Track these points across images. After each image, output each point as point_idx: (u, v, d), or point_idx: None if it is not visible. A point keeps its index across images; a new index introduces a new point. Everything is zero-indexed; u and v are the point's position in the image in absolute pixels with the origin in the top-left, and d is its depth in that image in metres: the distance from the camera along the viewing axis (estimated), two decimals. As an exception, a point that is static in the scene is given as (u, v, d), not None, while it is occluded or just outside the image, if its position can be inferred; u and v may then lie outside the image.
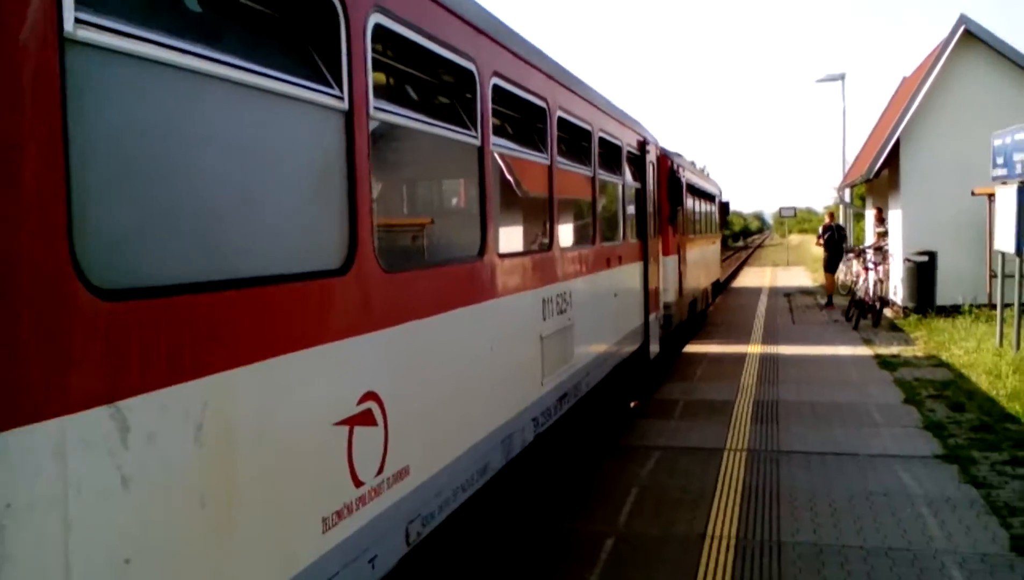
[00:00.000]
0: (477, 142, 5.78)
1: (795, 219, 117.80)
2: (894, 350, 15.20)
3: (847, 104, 31.93)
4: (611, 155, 10.75)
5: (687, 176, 19.41)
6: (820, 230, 25.05)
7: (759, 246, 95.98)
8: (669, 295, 16.83)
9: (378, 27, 4.18)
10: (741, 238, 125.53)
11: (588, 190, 9.48)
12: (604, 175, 9.98)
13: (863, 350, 15.43)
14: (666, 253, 16.68)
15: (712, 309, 23.76)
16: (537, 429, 7.15)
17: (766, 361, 14.49)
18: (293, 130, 3.65)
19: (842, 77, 32.93)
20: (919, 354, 14.71)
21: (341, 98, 3.82)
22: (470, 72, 5.63)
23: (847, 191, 29.51)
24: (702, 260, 22.83)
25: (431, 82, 5.75)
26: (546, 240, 7.74)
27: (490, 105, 5.92)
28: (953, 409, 10.39)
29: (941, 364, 13.62)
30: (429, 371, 4.86)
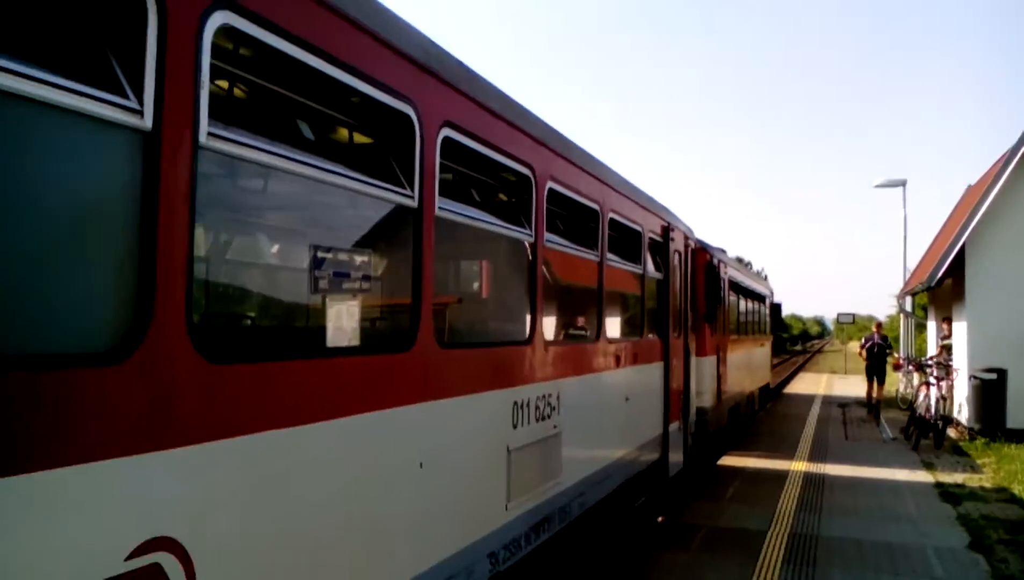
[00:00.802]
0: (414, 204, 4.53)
1: (855, 326, 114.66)
2: (958, 478, 13.33)
3: (908, 211, 30.17)
4: (625, 239, 9.44)
5: (729, 272, 17.96)
6: (863, 340, 24.02)
7: (818, 351, 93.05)
8: (705, 399, 15.26)
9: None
10: (800, 342, 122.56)
11: (591, 275, 8.15)
12: (614, 261, 8.65)
13: (922, 476, 13.57)
14: (701, 353, 15.18)
15: (759, 416, 21.94)
16: (497, 567, 5.68)
17: (810, 483, 12.74)
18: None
19: (903, 183, 31.34)
20: (987, 485, 12.82)
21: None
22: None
23: (908, 300, 27.65)
24: (748, 363, 21.18)
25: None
26: (525, 331, 6.38)
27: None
28: (1031, 561, 8.61)
29: (1013, 499, 11.74)
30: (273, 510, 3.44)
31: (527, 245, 6.38)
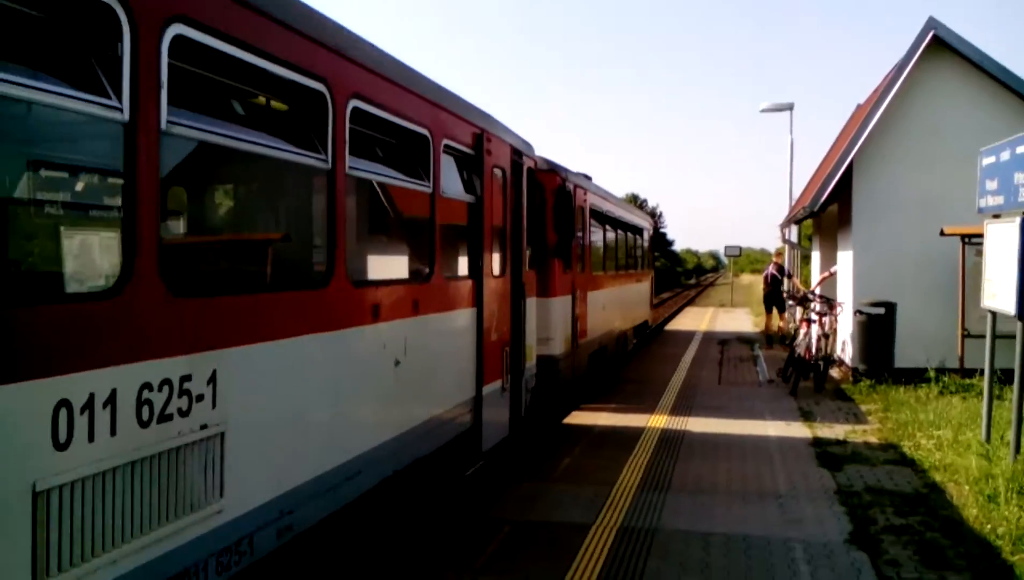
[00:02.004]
0: None
1: (748, 259, 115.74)
2: (839, 432, 11.43)
3: (795, 137, 28.39)
4: (399, 146, 6.92)
5: (591, 200, 15.62)
6: (764, 271, 22.78)
7: (710, 285, 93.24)
8: (554, 346, 13.01)
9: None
10: (694, 276, 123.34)
11: (321, 190, 5.60)
12: (373, 173, 6.09)
13: (798, 429, 11.64)
14: (549, 293, 12.88)
15: (631, 359, 19.95)
16: None
17: (665, 444, 10.63)
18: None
19: (790, 107, 29.65)
20: (873, 440, 10.94)
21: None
22: None
23: (793, 229, 26.02)
24: (619, 301, 19.07)
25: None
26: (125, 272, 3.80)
27: None
28: (929, 560, 6.58)
29: (904, 461, 9.84)
30: None
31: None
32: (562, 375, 13.25)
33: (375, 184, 6.85)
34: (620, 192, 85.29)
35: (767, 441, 10.89)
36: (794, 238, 26.91)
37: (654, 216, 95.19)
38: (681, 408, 13.20)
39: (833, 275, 18.47)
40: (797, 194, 27.51)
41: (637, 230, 22.97)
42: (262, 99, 5.43)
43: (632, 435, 11.13)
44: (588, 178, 16.77)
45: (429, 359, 7.25)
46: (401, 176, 6.81)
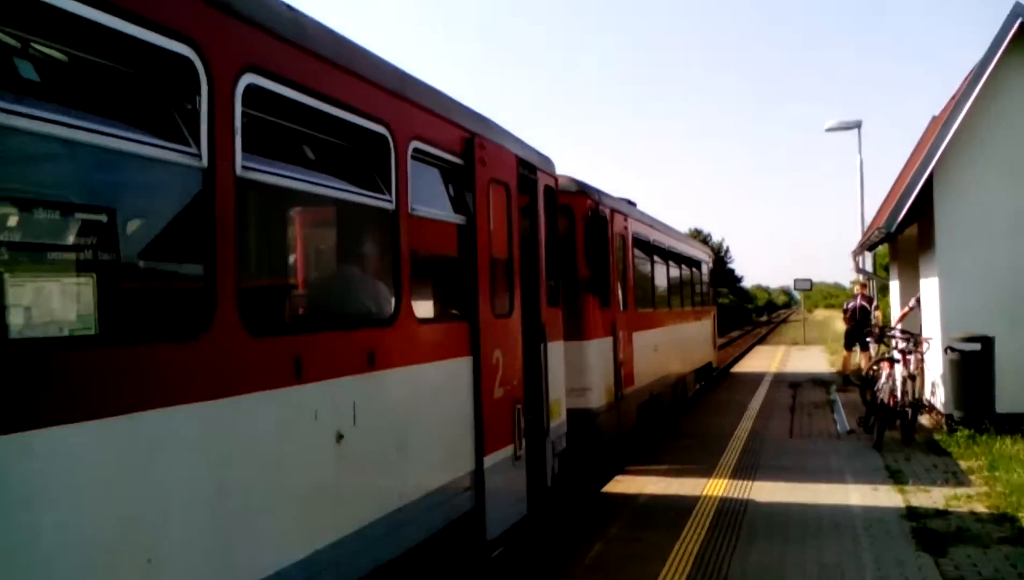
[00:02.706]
0: None
1: (820, 293, 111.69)
2: (938, 498, 9.36)
3: (865, 158, 26.21)
4: (347, 147, 5.33)
5: (634, 228, 13.85)
6: (845, 305, 21.94)
7: (782, 322, 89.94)
8: (593, 398, 11.25)
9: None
10: (765, 313, 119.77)
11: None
12: (268, 169, 4.45)
13: (887, 495, 9.59)
14: (585, 335, 11.15)
15: (691, 407, 17.94)
16: None
17: (723, 520, 8.70)
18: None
19: (858, 125, 27.55)
20: (981, 509, 8.85)
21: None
22: None
23: (867, 257, 23.77)
24: (675, 343, 17.17)
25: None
26: None
27: None
28: None
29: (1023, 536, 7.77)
30: None
31: None
32: (602, 432, 11.42)
33: (281, 190, 5.14)
34: (683, 227, 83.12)
35: (850, 513, 8.87)
36: (868, 267, 24.61)
37: (719, 251, 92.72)
38: (745, 469, 11.22)
39: (915, 308, 16.24)
40: (869, 218, 25.27)
41: (694, 263, 21.07)
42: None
43: (684, 507, 9.21)
44: (632, 204, 15.03)
45: (394, 428, 5.55)
46: (339, 185, 5.18)
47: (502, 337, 7.39)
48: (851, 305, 21.02)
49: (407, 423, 5.70)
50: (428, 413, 6.02)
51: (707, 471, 11.06)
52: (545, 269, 8.99)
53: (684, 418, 16.23)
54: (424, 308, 6.12)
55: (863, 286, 21.76)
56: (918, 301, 15.71)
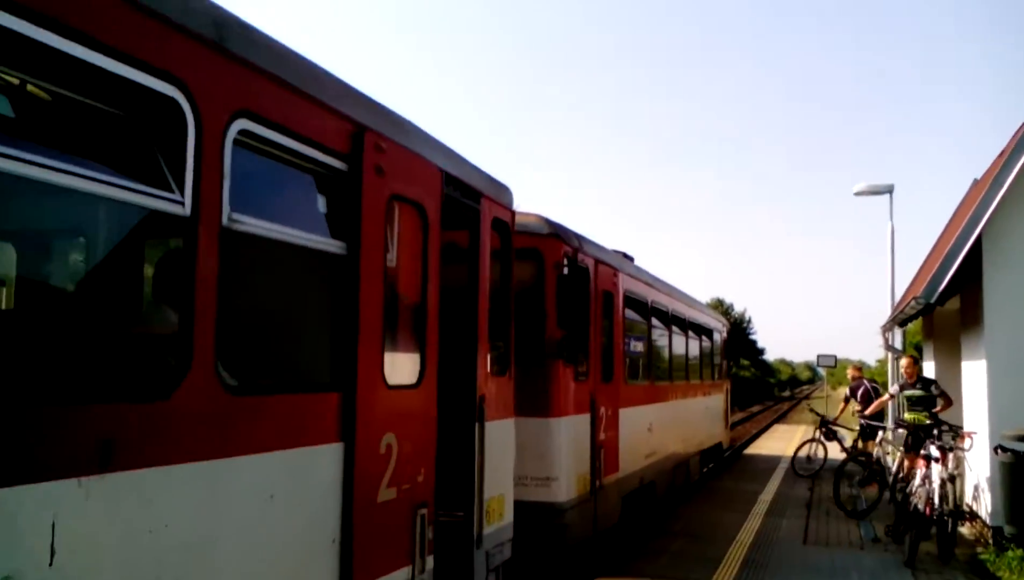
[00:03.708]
0: None
1: (845, 370, 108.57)
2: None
3: (896, 224, 24.07)
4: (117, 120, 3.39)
5: (626, 285, 11.79)
6: (848, 391, 18.42)
7: (805, 398, 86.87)
8: (559, 490, 9.17)
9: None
10: (788, 388, 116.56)
11: None
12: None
13: (927, 642, 7.33)
14: (552, 411, 9.04)
15: (692, 496, 15.64)
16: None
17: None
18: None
19: (889, 190, 25.42)
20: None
21: None
22: None
23: (896, 333, 21.52)
24: (676, 421, 14.98)
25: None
26: None
27: None
28: None
29: None
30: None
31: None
32: (570, 533, 9.23)
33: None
34: (704, 297, 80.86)
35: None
36: (898, 344, 22.32)
37: (741, 321, 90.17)
38: (743, 588, 8.96)
39: (893, 399, 14.64)
40: (900, 292, 23.06)
41: (705, 331, 18.92)
42: None
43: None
44: (628, 258, 12.99)
45: (172, 570, 3.47)
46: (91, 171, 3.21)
47: (399, 415, 5.32)
48: (862, 388, 17.82)
49: (194, 558, 3.62)
50: (240, 537, 3.94)
51: (696, 590, 8.81)
52: (488, 327, 6.96)
53: (681, 510, 13.92)
54: (241, 370, 4.07)
55: (858, 369, 19.34)
56: (901, 388, 13.46)
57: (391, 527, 5.21)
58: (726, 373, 23.06)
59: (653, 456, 13.07)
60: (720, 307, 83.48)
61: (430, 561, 5.68)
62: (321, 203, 4.86)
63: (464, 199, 6.54)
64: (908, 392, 13.07)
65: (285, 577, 4.27)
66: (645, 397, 12.74)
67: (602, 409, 10.42)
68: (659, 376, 14.07)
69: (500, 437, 7.18)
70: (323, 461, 4.59)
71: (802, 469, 18.86)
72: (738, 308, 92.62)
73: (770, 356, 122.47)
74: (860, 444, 16.94)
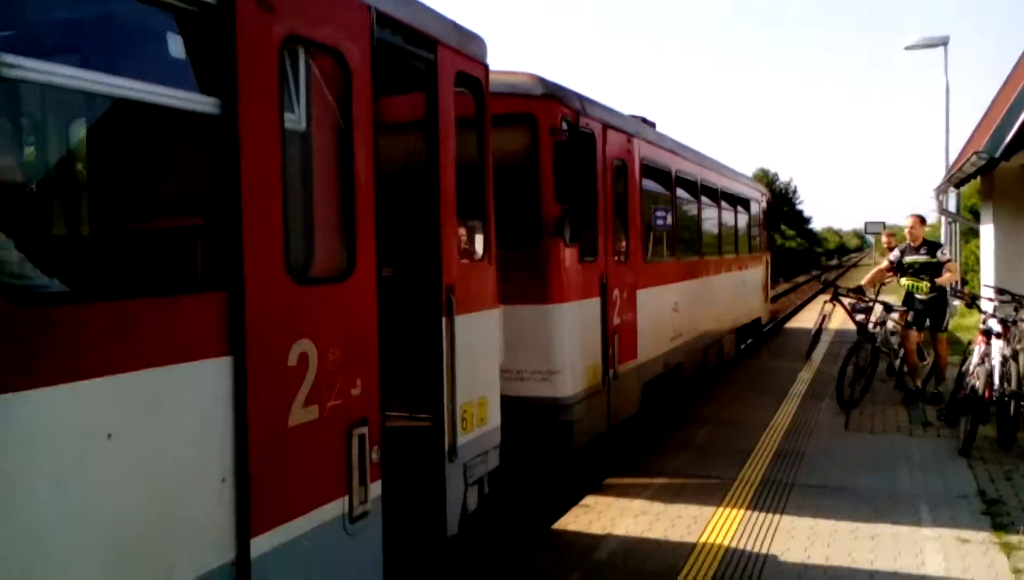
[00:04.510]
0: None
1: (896, 236, 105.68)
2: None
3: (950, 86, 22.01)
4: None
5: (645, 153, 10.47)
6: (890, 257, 12.43)
7: (852, 266, 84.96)
8: (562, 384, 8.14)
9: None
10: (836, 257, 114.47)
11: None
12: None
13: (983, 550, 6.30)
14: (550, 297, 7.94)
15: (724, 376, 14.62)
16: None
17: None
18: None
19: (944, 42, 23.32)
20: None
21: None
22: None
23: (951, 196, 19.87)
24: (707, 298, 13.83)
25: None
26: None
27: None
28: None
29: None
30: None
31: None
32: (576, 431, 8.26)
33: None
34: (748, 169, 78.34)
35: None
36: (952, 207, 20.69)
37: (786, 192, 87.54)
38: (774, 490, 7.95)
39: (892, 271, 12.12)
40: (955, 152, 21.29)
41: (741, 201, 17.51)
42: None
43: (665, 568, 6.03)
44: (648, 124, 11.61)
45: None
46: None
47: (317, 317, 4.23)
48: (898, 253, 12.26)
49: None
50: (53, 495, 2.94)
51: (718, 492, 7.83)
52: (455, 205, 5.79)
53: (712, 394, 12.91)
54: (60, 269, 2.98)
55: (891, 235, 17.10)
56: (903, 253, 11.82)
57: (312, 455, 4.19)
58: (766, 245, 21.70)
59: (679, 338, 11.99)
60: (765, 178, 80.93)
61: (375, 488, 4.68)
62: (178, 49, 3.67)
63: (411, 47, 5.27)
64: (911, 258, 11.69)
65: (142, 536, 3.28)
66: (669, 276, 11.57)
67: (615, 292, 9.30)
68: (686, 252, 12.84)
69: (478, 332, 6.11)
70: (196, 383, 3.53)
71: (808, 351, 16.80)
72: (784, 178, 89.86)
73: (817, 225, 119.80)
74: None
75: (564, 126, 8.03)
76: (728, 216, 16.19)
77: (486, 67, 6.29)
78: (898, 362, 12.61)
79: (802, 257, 75.79)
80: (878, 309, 12.59)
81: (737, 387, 13.48)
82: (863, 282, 13.03)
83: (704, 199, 13.95)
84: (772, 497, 7.67)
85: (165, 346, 3.36)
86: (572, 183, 7.88)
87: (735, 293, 16.58)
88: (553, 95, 7.99)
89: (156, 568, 3.32)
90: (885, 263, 12.73)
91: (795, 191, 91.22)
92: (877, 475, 8.38)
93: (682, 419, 11.04)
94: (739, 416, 11.15)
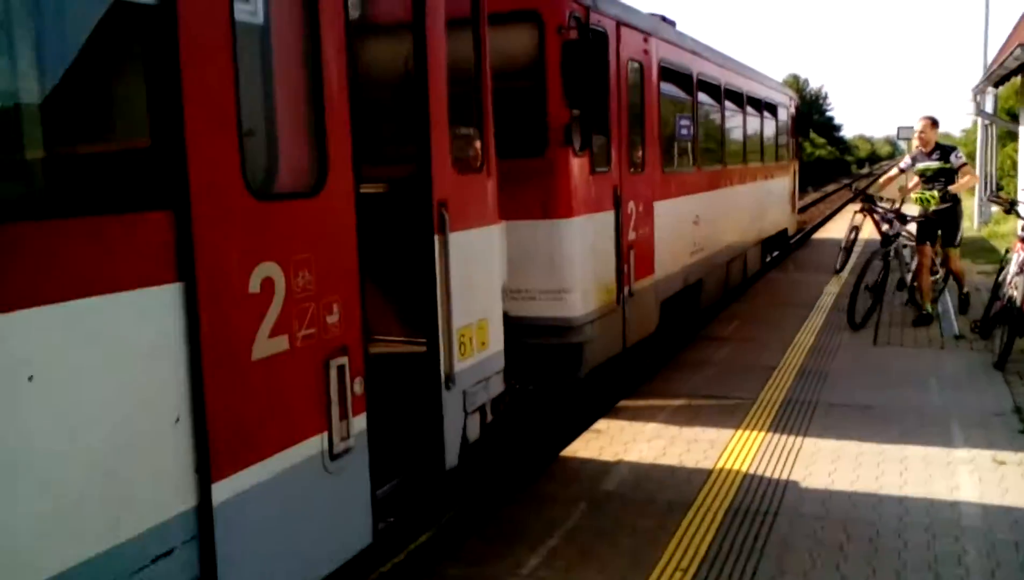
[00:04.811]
0: None
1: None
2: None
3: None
4: None
5: (663, 54, 9.85)
6: (900, 164, 11.37)
7: (882, 174, 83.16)
8: (573, 303, 7.73)
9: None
10: (867, 165, 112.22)
11: None
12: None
13: (1019, 466, 5.90)
14: (558, 211, 7.49)
15: (749, 289, 14.16)
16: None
17: (735, 531, 5.18)
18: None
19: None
20: None
21: None
22: None
23: (988, 97, 18.93)
24: (730, 210, 13.29)
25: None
26: None
27: None
28: None
29: None
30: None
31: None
32: (589, 351, 7.87)
33: None
34: (779, 75, 76.15)
35: (957, 514, 5.25)
36: (989, 108, 19.75)
37: (817, 98, 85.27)
38: (797, 410, 7.56)
39: (907, 171, 11.15)
40: (995, 50, 20.21)
41: (767, 107, 16.75)
42: None
43: (676, 504, 5.67)
44: (668, 23, 10.92)
45: None
46: None
47: (282, 237, 3.81)
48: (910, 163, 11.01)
49: None
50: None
51: (737, 413, 7.45)
52: (447, 111, 5.30)
53: (734, 310, 12.47)
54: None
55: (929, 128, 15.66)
56: (914, 160, 11.00)
57: (282, 389, 3.81)
58: (794, 153, 20.94)
59: (701, 252, 11.49)
60: (795, 84, 78.77)
61: (359, 422, 4.32)
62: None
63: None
64: (922, 165, 10.63)
65: (81, 488, 2.92)
66: (689, 186, 11.01)
67: (630, 204, 8.79)
68: (708, 161, 12.24)
69: (476, 250, 5.67)
70: (140, 314, 3.14)
71: (840, 264, 15.69)
72: (814, 84, 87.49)
73: (848, 132, 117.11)
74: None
75: (573, 23, 7.42)
76: (753, 122, 15.47)
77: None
78: (909, 277, 11.72)
79: (832, 166, 74.21)
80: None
81: (761, 302, 13.01)
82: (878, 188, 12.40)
83: (728, 104, 13.26)
84: (794, 418, 7.28)
85: (100, 273, 2.95)
86: (582, 87, 7.30)
87: (760, 204, 15.97)
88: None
89: (100, 522, 2.97)
90: (895, 171, 11.76)
91: (825, 97, 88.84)
92: (906, 392, 7.96)
93: (705, 336, 10.62)
94: (763, 332, 10.72)
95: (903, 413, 7.31)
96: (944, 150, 10.54)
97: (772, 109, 17.26)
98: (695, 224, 11.23)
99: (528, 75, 7.37)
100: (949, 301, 11.91)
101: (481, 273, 5.77)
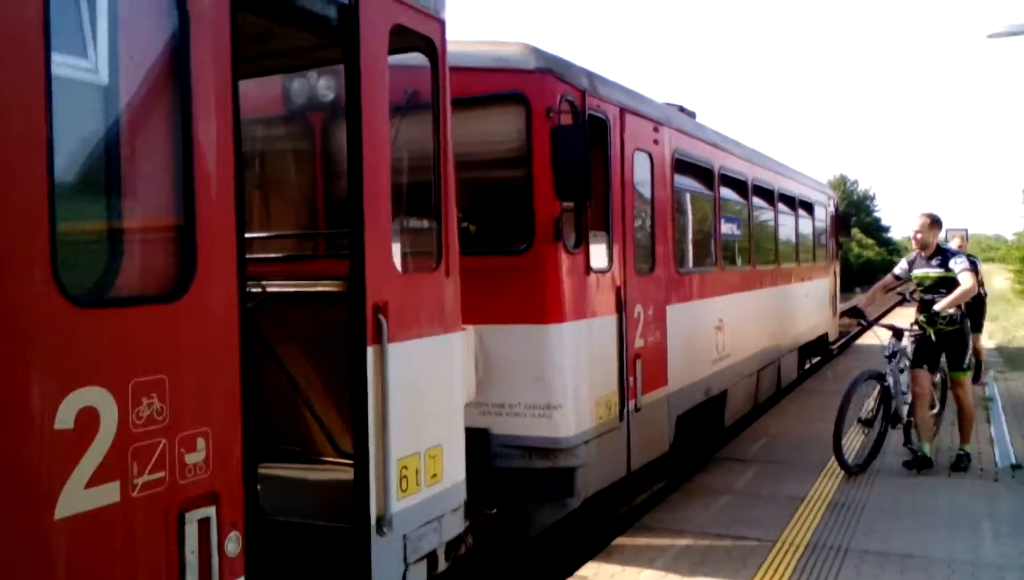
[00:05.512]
0: None
1: (978, 246, 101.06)
2: None
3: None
4: None
5: (676, 145, 9.05)
6: (895, 270, 9.41)
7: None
8: (564, 421, 6.71)
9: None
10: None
11: None
12: None
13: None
14: (550, 315, 6.59)
15: (778, 401, 12.99)
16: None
17: None
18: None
19: (1037, 30, 21.13)
20: None
21: None
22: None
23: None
24: (761, 313, 12.33)
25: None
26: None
27: None
28: None
29: None
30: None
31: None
32: (582, 478, 6.84)
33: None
34: (827, 176, 75.43)
35: None
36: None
37: (864, 199, 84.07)
38: (825, 554, 6.40)
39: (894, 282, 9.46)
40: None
41: (803, 205, 15.82)
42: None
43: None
44: (687, 113, 10.15)
45: None
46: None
47: (121, 354, 2.94)
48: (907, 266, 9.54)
49: None
50: None
51: (751, 560, 6.31)
52: (388, 197, 4.47)
53: (764, 423, 11.32)
54: None
55: (963, 238, 14.42)
56: (911, 265, 9.01)
57: (106, 555, 2.89)
58: (834, 253, 19.90)
59: (725, 360, 10.46)
60: (842, 184, 77.92)
61: None
62: None
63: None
64: (920, 272, 8.79)
65: None
66: (710, 288, 10.06)
67: (637, 308, 7.86)
68: (733, 261, 11.31)
69: (426, 363, 4.78)
70: None
71: None
72: (863, 185, 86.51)
73: (897, 234, 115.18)
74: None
75: (565, 107, 6.64)
76: (787, 221, 14.54)
77: (441, 23, 4.94)
78: (905, 409, 9.17)
79: (881, 266, 72.67)
80: (885, 335, 9.42)
81: (793, 416, 11.84)
82: (863, 302, 10.55)
83: (756, 201, 12.38)
84: (820, 569, 6.13)
85: None
86: (573, 177, 6.45)
87: (795, 307, 14.91)
88: (550, 70, 6.59)
89: None
90: (888, 277, 9.62)
91: (873, 198, 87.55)
92: (952, 537, 6.76)
93: (721, 457, 9.50)
94: (793, 453, 9.57)
95: (950, 566, 6.13)
96: (946, 255, 8.66)
97: (808, 207, 16.33)
98: (718, 329, 10.24)
99: (514, 163, 6.58)
100: (1004, 421, 10.64)
101: (433, 391, 4.86)
